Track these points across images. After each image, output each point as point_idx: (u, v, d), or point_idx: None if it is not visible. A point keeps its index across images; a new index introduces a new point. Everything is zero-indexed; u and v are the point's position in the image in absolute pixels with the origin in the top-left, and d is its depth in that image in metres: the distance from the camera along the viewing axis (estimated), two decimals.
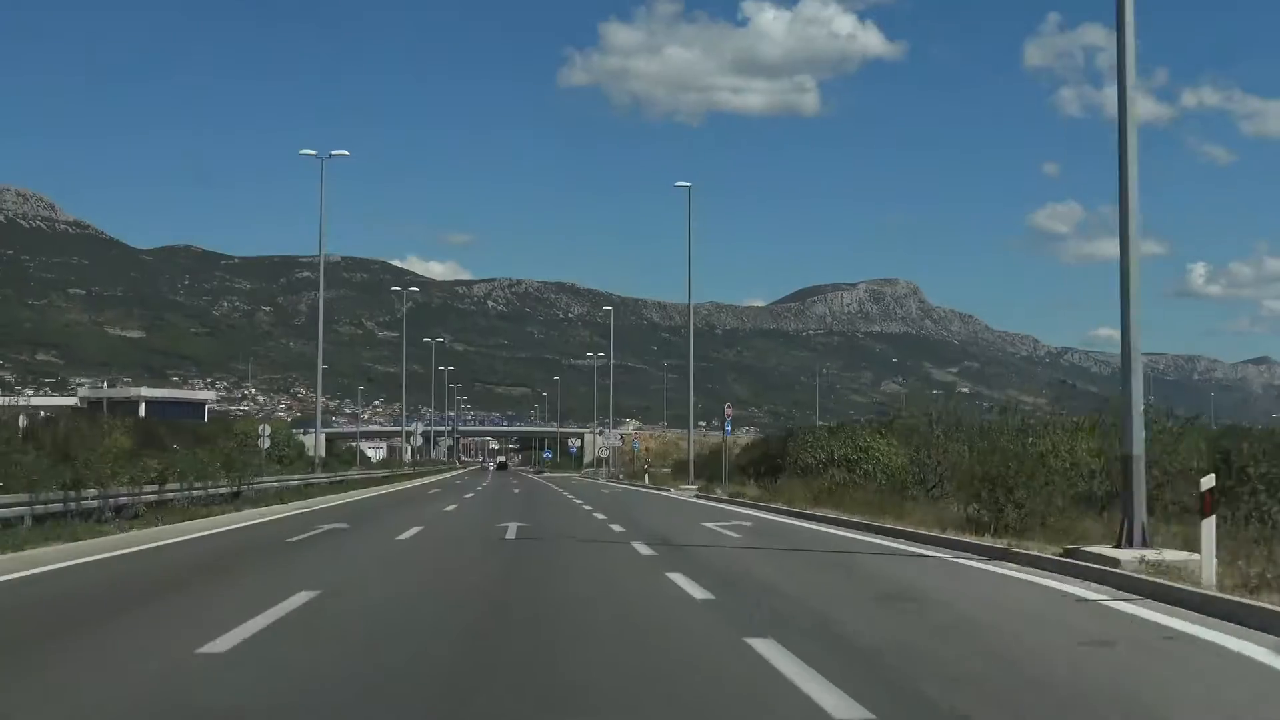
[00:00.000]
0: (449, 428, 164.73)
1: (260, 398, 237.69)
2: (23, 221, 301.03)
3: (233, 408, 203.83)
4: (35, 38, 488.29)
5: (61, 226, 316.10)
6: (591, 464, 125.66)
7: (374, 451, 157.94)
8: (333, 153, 54.45)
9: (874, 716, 6.29)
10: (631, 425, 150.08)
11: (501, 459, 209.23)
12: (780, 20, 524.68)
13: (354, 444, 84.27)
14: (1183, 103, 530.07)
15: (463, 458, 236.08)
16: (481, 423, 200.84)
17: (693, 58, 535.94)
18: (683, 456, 64.49)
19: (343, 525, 24.51)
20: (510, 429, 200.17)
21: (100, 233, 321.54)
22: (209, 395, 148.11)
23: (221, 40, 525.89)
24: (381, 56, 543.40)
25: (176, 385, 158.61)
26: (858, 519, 23.46)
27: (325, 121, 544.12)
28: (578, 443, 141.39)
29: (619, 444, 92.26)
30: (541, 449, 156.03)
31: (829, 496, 29.00)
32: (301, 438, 65.99)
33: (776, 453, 44.26)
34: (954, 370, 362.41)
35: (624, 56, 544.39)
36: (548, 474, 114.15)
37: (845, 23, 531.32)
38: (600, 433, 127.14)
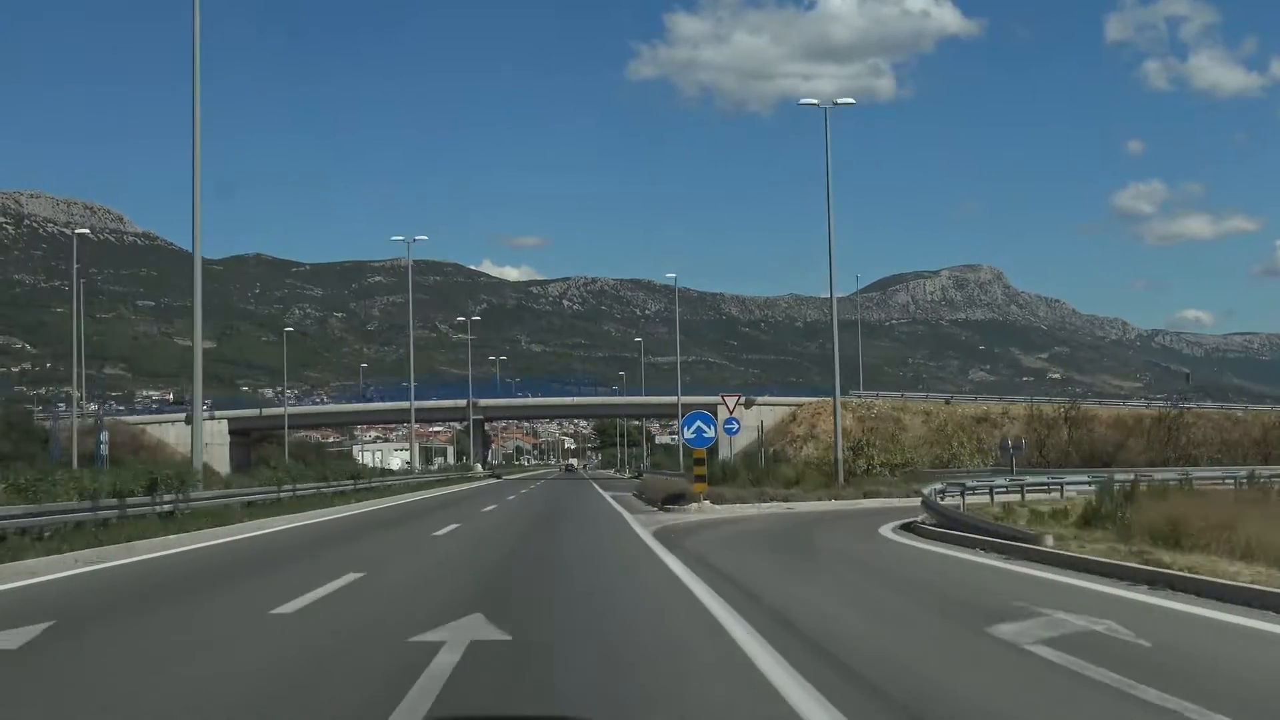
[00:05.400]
0: (466, 401, 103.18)
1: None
2: (91, 235, 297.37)
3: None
4: (99, 50, 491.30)
5: (130, 239, 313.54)
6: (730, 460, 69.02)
7: (402, 455, 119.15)
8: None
9: None
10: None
11: (570, 460, 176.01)
12: (849, 0, 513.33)
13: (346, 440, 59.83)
14: (1273, 71, 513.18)
15: (525, 461, 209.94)
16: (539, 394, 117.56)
17: (761, 45, 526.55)
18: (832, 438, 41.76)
19: None
20: (572, 401, 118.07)
21: (169, 244, 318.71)
22: None
23: (281, 44, 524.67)
24: (449, 58, 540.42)
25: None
26: None
27: (392, 125, 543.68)
28: (709, 427, 70.58)
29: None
30: (629, 443, 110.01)
31: None
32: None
33: None
34: (1043, 356, 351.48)
35: (691, 47, 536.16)
36: (703, 508, 35.88)
37: None
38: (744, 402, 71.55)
